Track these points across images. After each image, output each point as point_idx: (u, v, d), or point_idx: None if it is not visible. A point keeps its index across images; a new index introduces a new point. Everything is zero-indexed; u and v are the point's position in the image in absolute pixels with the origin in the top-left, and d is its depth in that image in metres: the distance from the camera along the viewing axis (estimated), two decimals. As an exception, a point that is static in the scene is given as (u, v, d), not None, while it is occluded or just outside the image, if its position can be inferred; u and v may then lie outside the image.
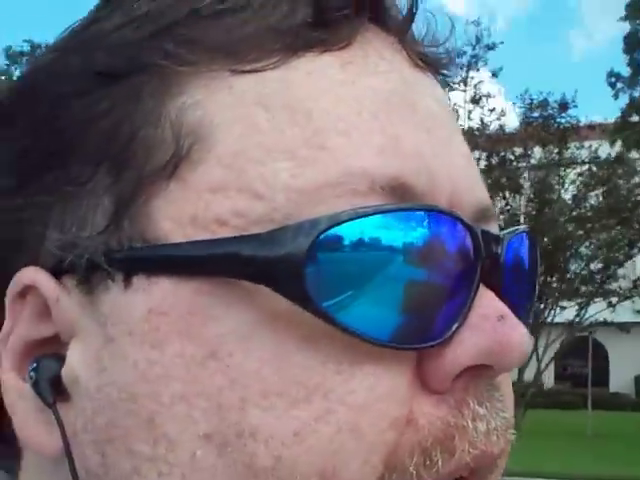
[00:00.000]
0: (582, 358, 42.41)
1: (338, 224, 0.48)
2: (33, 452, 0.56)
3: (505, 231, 0.57)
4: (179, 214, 0.50)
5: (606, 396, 39.26)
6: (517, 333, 0.51)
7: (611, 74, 26.34)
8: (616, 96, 26.07)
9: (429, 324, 0.50)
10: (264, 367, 0.48)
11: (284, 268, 0.47)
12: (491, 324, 0.51)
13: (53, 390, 0.52)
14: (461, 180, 0.54)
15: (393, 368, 0.49)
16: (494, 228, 0.57)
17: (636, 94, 25.58)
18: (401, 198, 0.50)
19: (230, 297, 0.49)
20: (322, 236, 0.47)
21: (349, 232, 0.48)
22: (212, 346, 0.49)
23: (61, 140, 0.53)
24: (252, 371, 0.48)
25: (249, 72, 0.51)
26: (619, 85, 26.20)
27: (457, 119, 0.60)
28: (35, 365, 0.53)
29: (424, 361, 0.51)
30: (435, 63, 0.59)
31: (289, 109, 0.51)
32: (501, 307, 0.51)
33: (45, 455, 0.53)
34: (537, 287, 0.62)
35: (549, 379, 39.81)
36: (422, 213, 0.50)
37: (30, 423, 0.53)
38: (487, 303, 0.52)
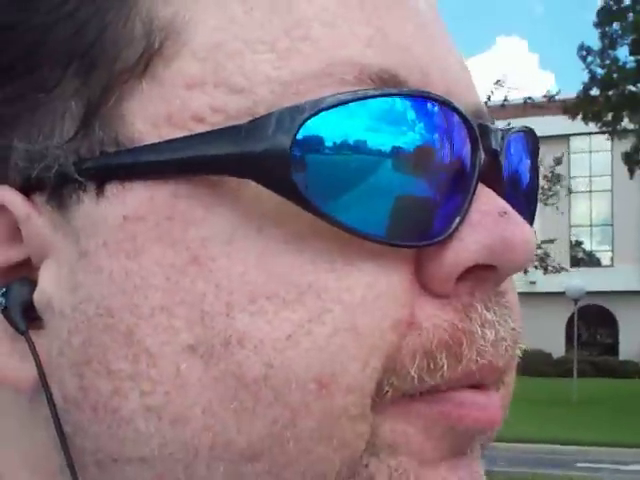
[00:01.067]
0: (591, 326, 42.65)
1: (325, 109, 0.45)
2: (7, 390, 0.52)
3: (504, 127, 0.55)
4: (154, 113, 0.48)
5: (615, 364, 39.40)
6: (521, 229, 0.48)
7: (582, 47, 26.52)
8: (588, 69, 26.26)
9: (427, 222, 0.48)
10: (250, 269, 0.46)
11: (269, 160, 0.45)
12: (493, 220, 0.48)
13: (25, 316, 0.49)
14: (455, 81, 0.52)
15: (391, 267, 0.47)
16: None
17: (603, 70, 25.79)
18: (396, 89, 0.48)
19: (211, 198, 0.47)
20: (309, 122, 0.45)
21: (333, 123, 0.46)
22: (193, 251, 0.46)
23: (24, 43, 0.50)
24: (237, 274, 0.46)
25: None
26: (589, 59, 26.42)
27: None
28: (4, 291, 0.50)
29: (424, 262, 0.48)
30: None
31: None
32: (503, 204, 0.49)
33: (21, 391, 0.50)
34: (538, 192, 0.59)
35: (559, 348, 39.93)
36: (419, 101, 0.48)
37: (2, 356, 0.50)
38: (488, 200, 0.49)
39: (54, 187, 0.48)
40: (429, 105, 0.48)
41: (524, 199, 0.56)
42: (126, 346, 0.47)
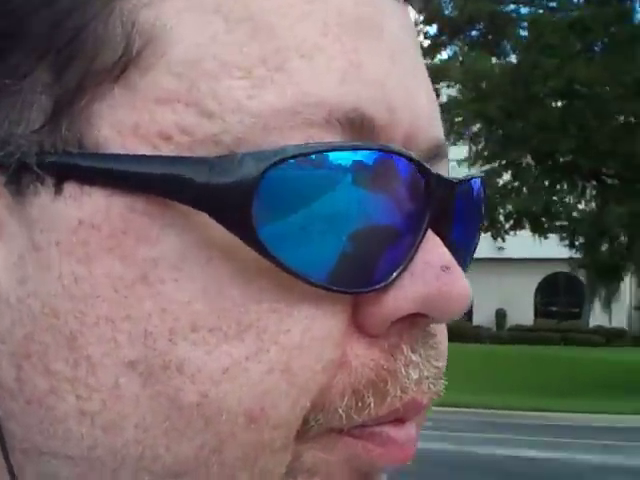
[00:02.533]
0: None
1: (288, 158, 0.45)
2: None
3: (458, 177, 0.54)
4: (121, 121, 0.46)
5: (468, 329, 40.33)
6: (459, 285, 0.49)
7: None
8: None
9: (371, 267, 0.48)
10: (196, 299, 0.46)
11: (230, 198, 0.45)
12: (435, 273, 0.49)
13: None
14: (421, 114, 0.52)
15: (330, 310, 0.48)
16: (444, 167, 0.55)
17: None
18: (359, 132, 0.48)
19: (165, 219, 0.46)
20: (271, 169, 0.45)
21: (298, 168, 0.46)
22: (143, 269, 0.46)
23: (2, 26, 0.48)
24: (183, 302, 0.46)
25: None
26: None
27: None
28: None
29: (362, 304, 0.49)
30: None
31: (250, 22, 0.47)
32: (447, 256, 0.50)
33: None
34: (479, 234, 0.60)
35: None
36: (375, 153, 0.47)
37: None
38: (433, 250, 0.50)
39: (13, 173, 0.47)
40: (388, 158, 0.48)
41: (467, 238, 0.57)
42: (68, 350, 0.47)
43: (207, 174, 0.45)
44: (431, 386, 0.51)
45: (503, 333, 42.15)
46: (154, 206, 0.46)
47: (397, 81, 0.50)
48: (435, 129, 0.54)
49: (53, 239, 0.47)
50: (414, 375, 0.50)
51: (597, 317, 40.02)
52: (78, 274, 0.46)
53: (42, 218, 0.47)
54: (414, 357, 0.50)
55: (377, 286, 0.48)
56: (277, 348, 0.46)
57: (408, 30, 0.53)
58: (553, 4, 23.15)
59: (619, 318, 40.64)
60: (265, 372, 0.46)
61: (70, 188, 0.46)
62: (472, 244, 0.58)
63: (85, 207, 0.46)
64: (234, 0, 0.47)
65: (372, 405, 0.48)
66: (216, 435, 0.46)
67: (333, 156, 0.46)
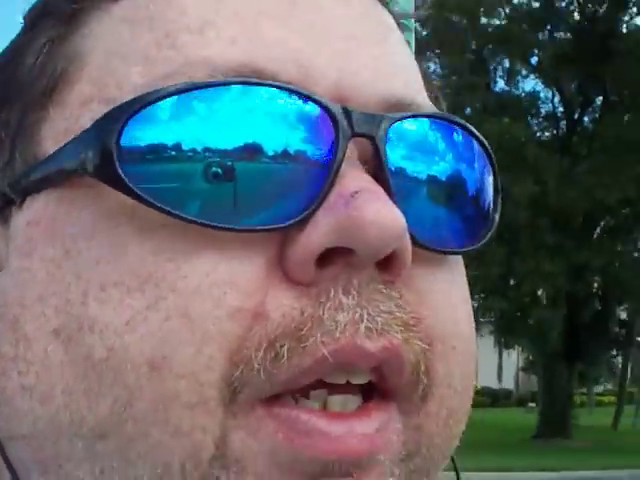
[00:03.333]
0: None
1: (145, 106, 0.48)
2: None
3: (394, 114, 0.52)
4: (56, 131, 0.53)
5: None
6: (372, 207, 0.46)
7: None
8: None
9: (282, 208, 0.48)
10: (103, 260, 0.49)
11: (98, 160, 0.49)
12: (345, 200, 0.47)
13: None
14: (359, 72, 0.52)
15: (237, 255, 0.48)
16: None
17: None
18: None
19: (83, 201, 0.51)
20: (128, 125, 0.48)
21: (169, 111, 0.48)
22: (66, 246, 0.51)
23: None
24: (92, 265, 0.49)
25: None
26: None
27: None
28: None
29: (285, 248, 0.48)
30: None
31: (149, 18, 0.53)
32: (362, 184, 0.48)
33: None
34: (480, 190, 0.55)
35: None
36: (257, 88, 0.49)
37: None
38: (349, 182, 0.48)
39: (1, 207, 0.55)
40: (271, 92, 0.49)
41: (453, 189, 0.54)
42: (12, 332, 0.52)
43: (92, 146, 0.50)
44: (377, 333, 0.48)
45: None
46: (76, 191, 0.51)
47: (314, 43, 0.52)
48: (386, 86, 0.53)
49: (13, 246, 0.54)
50: (342, 318, 0.47)
51: (487, 378, 41.54)
52: (23, 266, 0.52)
53: (12, 233, 0.54)
54: (345, 299, 0.48)
55: (287, 223, 0.48)
56: (174, 295, 0.47)
57: (347, 4, 0.56)
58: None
59: (508, 380, 42.00)
60: (163, 319, 0.47)
61: (28, 200, 0.53)
62: (439, 183, 0.54)
63: (32, 210, 0.53)
64: (140, 6, 0.54)
65: (286, 355, 0.47)
66: (125, 388, 0.48)
67: (223, 93, 0.48)
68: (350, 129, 0.49)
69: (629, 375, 34.25)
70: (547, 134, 25.61)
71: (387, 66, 0.55)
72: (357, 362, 0.48)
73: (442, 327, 0.52)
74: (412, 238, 0.50)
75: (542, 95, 25.76)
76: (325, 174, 0.48)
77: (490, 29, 24.80)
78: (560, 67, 23.83)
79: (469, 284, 0.58)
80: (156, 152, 0.48)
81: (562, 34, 24.52)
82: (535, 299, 23.48)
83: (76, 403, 0.49)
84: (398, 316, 0.49)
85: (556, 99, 25.67)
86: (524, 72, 25.56)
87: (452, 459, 0.57)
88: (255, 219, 0.48)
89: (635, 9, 24.67)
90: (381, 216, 0.47)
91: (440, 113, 0.56)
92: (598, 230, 21.94)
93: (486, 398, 41.77)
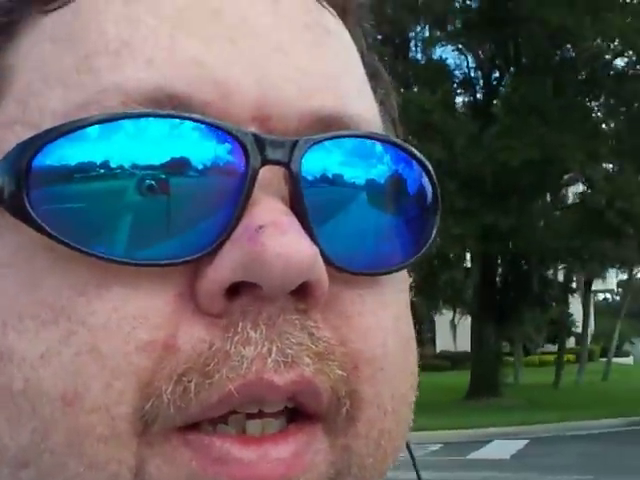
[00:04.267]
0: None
1: (51, 140, 0.47)
2: None
3: (311, 137, 0.50)
4: None
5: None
6: (277, 243, 0.46)
7: None
8: None
9: (193, 240, 0.47)
10: (21, 291, 0.48)
11: (10, 190, 0.48)
12: (249, 234, 0.47)
13: None
14: (283, 87, 0.51)
15: (147, 290, 0.47)
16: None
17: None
18: (173, 109, 0.48)
19: (3, 229, 0.50)
20: (40, 155, 0.47)
21: (75, 147, 0.47)
22: None
23: None
24: (11, 295, 0.49)
25: (51, 10, 0.52)
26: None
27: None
28: None
29: (195, 280, 0.48)
30: None
31: (70, 38, 0.51)
32: (270, 215, 0.47)
33: None
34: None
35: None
36: (161, 121, 0.48)
37: None
38: (258, 213, 0.48)
39: None
40: (177, 121, 0.48)
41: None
42: None
43: (5, 174, 0.48)
44: (285, 365, 0.48)
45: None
46: None
47: (235, 60, 0.50)
48: (314, 101, 0.52)
49: None
50: (248, 353, 0.47)
51: (445, 342, 42.22)
52: None
53: None
54: (252, 333, 0.47)
55: (191, 257, 0.47)
56: (84, 330, 0.47)
57: (276, 12, 0.53)
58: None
59: (463, 342, 42.69)
60: (74, 354, 0.47)
61: None
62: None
63: None
64: (63, 23, 0.52)
65: (193, 390, 0.47)
66: (41, 420, 0.47)
67: (121, 146, 0.47)
68: (261, 157, 0.49)
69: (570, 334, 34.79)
70: (462, 100, 26.07)
71: (316, 78, 0.53)
72: (266, 396, 0.48)
73: (370, 350, 0.51)
74: (332, 263, 0.50)
75: (452, 62, 26.27)
76: (232, 205, 0.48)
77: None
78: (469, 34, 24.40)
79: None
80: (65, 182, 0.47)
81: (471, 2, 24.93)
82: (446, 261, 24.08)
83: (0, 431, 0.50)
84: (310, 347, 0.49)
85: (469, 66, 26.23)
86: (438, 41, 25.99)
87: (407, 445, 0.61)
88: (164, 250, 0.47)
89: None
90: (285, 251, 0.46)
91: (364, 133, 0.53)
92: (505, 192, 22.35)
93: (446, 362, 42.51)
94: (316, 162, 0.50)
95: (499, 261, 26.31)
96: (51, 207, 0.47)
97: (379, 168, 0.53)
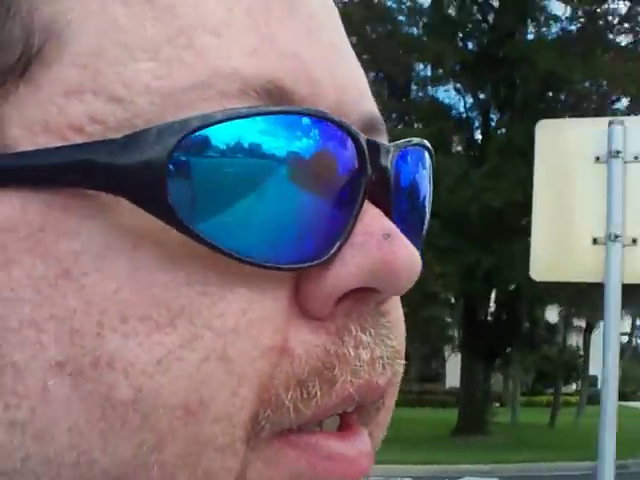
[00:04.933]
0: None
1: (207, 125, 0.43)
2: None
3: (396, 142, 0.52)
4: (30, 120, 0.44)
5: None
6: (405, 252, 0.47)
7: None
8: None
9: (309, 243, 0.46)
10: (123, 288, 0.43)
11: (143, 176, 0.43)
12: (376, 242, 0.47)
13: None
14: (348, 89, 0.50)
15: (268, 290, 0.45)
16: (383, 141, 0.52)
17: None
18: (278, 103, 0.46)
19: (85, 211, 0.44)
20: (187, 139, 0.43)
21: (221, 136, 0.44)
22: (65, 264, 0.44)
23: None
24: (109, 292, 0.43)
25: None
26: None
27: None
28: None
29: (304, 284, 0.46)
30: None
31: (150, 3, 0.46)
32: (388, 224, 0.48)
33: None
34: (429, 211, 0.57)
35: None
36: (307, 119, 0.46)
37: None
38: (372, 220, 0.47)
39: None
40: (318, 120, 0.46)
41: (417, 212, 0.55)
42: None
43: (120, 155, 0.43)
44: (387, 366, 0.49)
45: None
46: (72, 199, 0.44)
47: (316, 54, 0.49)
48: (366, 103, 0.52)
49: None
50: (365, 356, 0.47)
51: (454, 379, 42.28)
52: None
53: None
54: (364, 337, 0.47)
55: (316, 261, 0.46)
56: (211, 334, 0.44)
57: (327, 9, 0.53)
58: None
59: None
60: (200, 360, 0.44)
61: None
62: (420, 219, 0.55)
63: (1, 211, 0.44)
64: None
65: (319, 394, 0.46)
66: (154, 432, 0.43)
67: (264, 139, 0.44)
68: (374, 163, 0.48)
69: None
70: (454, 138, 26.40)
71: (361, 80, 0.54)
72: (372, 396, 0.49)
73: (402, 342, 0.53)
74: None
75: (446, 101, 26.66)
76: (350, 210, 0.47)
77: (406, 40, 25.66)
78: (466, 74, 24.77)
79: None
80: (207, 181, 0.43)
81: (468, 44, 25.31)
82: (428, 298, 24.29)
83: (87, 444, 0.44)
84: (397, 348, 0.50)
85: (462, 105, 26.58)
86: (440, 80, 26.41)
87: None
88: (282, 255, 0.45)
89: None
90: (413, 261, 0.47)
91: (420, 141, 0.55)
92: (488, 232, 22.57)
93: (452, 398, 42.55)
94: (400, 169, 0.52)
95: (489, 298, 26.49)
96: (187, 198, 0.43)
97: (424, 173, 0.55)
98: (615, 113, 24.40)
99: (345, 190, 0.47)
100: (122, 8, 0.46)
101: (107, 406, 0.43)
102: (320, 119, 0.46)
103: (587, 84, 22.97)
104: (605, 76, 21.57)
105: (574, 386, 47.05)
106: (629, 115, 23.85)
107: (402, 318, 0.53)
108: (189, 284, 0.44)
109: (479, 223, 22.04)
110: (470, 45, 25.19)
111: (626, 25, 24.92)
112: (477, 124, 26.36)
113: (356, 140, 0.47)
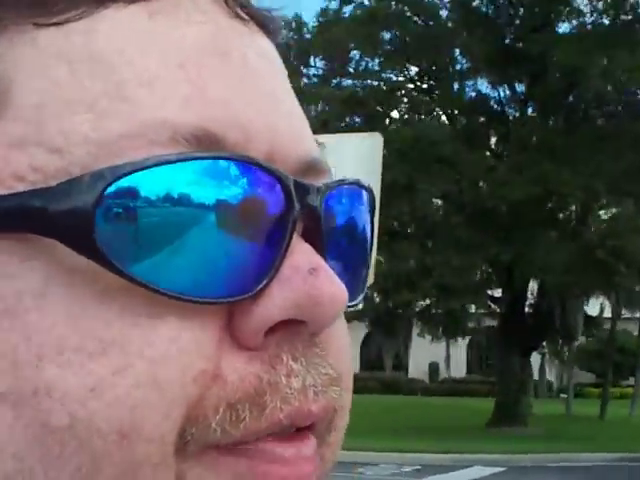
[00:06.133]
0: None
1: (134, 171, 0.46)
2: None
3: (328, 181, 0.54)
4: None
5: (403, 381, 43.21)
6: (329, 286, 0.49)
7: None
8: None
9: (238, 280, 0.48)
10: (59, 323, 0.46)
11: (73, 220, 0.46)
12: (302, 277, 0.49)
13: None
14: (283, 134, 0.52)
15: (198, 321, 0.47)
16: (321, 183, 0.54)
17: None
18: (208, 150, 0.48)
19: (26, 252, 0.47)
20: (115, 186, 0.46)
21: (151, 184, 0.46)
22: (7, 304, 0.46)
23: None
24: (47, 327, 0.46)
25: (54, 25, 0.49)
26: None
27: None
28: None
29: (235, 316, 0.49)
30: (259, 16, 0.56)
31: (91, 61, 0.49)
32: (315, 260, 0.50)
33: None
34: (370, 250, 0.59)
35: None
36: (234, 166, 0.48)
37: None
38: (300, 257, 0.50)
39: None
40: (235, 165, 0.48)
41: (358, 247, 0.57)
42: None
43: (52, 201, 0.46)
44: (320, 394, 0.50)
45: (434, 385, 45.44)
46: (14, 242, 0.47)
47: (248, 102, 0.51)
48: (304, 146, 0.54)
49: None
50: (296, 384, 0.49)
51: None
52: None
53: None
54: (295, 366, 0.50)
55: (243, 296, 0.48)
56: (142, 362, 0.46)
57: (265, 54, 0.55)
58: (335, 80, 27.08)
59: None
60: (132, 386, 0.46)
61: None
62: (362, 250, 0.57)
63: None
64: (76, 43, 0.49)
65: (247, 419, 0.48)
66: (91, 456, 0.46)
67: (186, 185, 0.47)
68: (300, 203, 0.50)
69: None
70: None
71: (298, 123, 0.55)
72: (304, 422, 0.50)
73: (346, 370, 0.54)
74: None
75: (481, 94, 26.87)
76: (278, 247, 0.49)
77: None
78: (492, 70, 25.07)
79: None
80: (137, 226, 0.46)
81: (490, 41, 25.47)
82: (446, 292, 24.80)
83: (29, 469, 0.46)
84: (333, 376, 0.52)
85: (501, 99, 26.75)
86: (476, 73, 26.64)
87: None
88: (212, 291, 0.48)
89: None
90: (337, 295, 0.49)
91: (353, 180, 0.57)
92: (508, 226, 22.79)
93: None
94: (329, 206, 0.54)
95: (526, 291, 26.71)
96: (116, 240, 0.46)
97: (362, 209, 0.58)
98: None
99: (273, 230, 0.49)
100: (65, 67, 0.49)
101: (46, 432, 0.45)
102: (248, 164, 0.48)
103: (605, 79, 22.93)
104: (619, 69, 21.55)
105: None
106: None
107: (345, 347, 0.55)
108: (121, 316, 0.46)
109: (500, 217, 22.34)
110: (499, 39, 25.28)
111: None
112: (499, 119, 26.45)
113: (282, 182, 0.50)
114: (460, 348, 46.62)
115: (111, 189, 0.45)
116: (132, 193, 0.46)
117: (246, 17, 0.55)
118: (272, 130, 0.51)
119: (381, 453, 19.79)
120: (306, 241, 0.51)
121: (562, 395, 38.86)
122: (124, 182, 0.46)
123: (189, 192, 0.47)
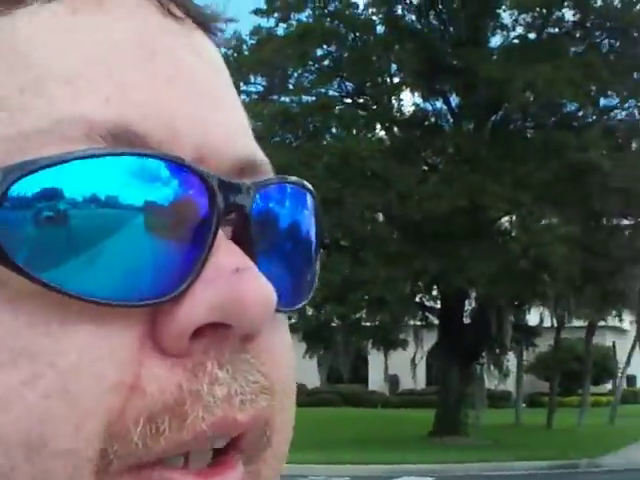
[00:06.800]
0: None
1: (32, 171, 0.44)
2: None
3: (261, 180, 0.52)
4: None
5: (363, 393, 43.42)
6: (254, 286, 0.47)
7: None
8: None
9: (162, 282, 0.46)
10: None
11: None
12: (225, 277, 0.47)
13: None
14: (216, 132, 0.51)
15: (116, 328, 0.45)
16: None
17: None
18: (129, 147, 0.46)
19: None
20: (16, 185, 0.44)
21: (71, 184, 0.44)
22: None
23: None
24: None
25: None
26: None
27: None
28: None
29: (158, 321, 0.47)
30: (197, 14, 0.55)
31: (9, 57, 0.48)
32: (241, 260, 0.48)
33: None
34: (316, 253, 0.56)
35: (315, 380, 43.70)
36: (146, 160, 0.46)
37: None
38: (225, 257, 0.48)
39: None
40: (155, 163, 0.47)
41: (302, 250, 0.55)
42: None
43: None
44: (247, 403, 0.48)
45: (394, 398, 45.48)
46: None
47: (176, 101, 0.50)
48: (239, 146, 0.53)
49: None
50: (220, 393, 0.47)
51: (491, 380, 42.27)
52: None
53: None
54: (220, 373, 0.48)
55: (166, 297, 0.46)
56: (53, 371, 0.44)
57: (199, 53, 0.54)
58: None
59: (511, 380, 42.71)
60: (41, 397, 0.44)
61: None
62: (307, 253, 0.56)
63: None
64: None
65: (167, 431, 0.46)
66: (0, 470, 0.44)
67: (100, 182, 0.45)
68: (225, 202, 0.49)
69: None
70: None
71: (234, 122, 0.54)
72: (231, 432, 0.49)
73: (283, 380, 0.53)
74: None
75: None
76: (201, 247, 0.47)
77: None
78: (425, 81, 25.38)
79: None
80: (36, 216, 0.44)
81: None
82: (373, 303, 25.14)
83: None
84: (262, 384, 0.50)
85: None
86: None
87: None
88: (131, 292, 0.46)
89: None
90: (262, 296, 0.47)
91: (294, 179, 0.55)
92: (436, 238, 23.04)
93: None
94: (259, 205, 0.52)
95: (464, 302, 26.97)
96: (19, 240, 0.44)
97: (306, 213, 0.56)
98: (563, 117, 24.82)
99: (198, 230, 0.48)
100: None
101: None
102: (169, 162, 0.47)
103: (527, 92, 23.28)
104: (541, 81, 21.84)
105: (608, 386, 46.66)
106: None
107: (283, 355, 0.53)
108: (31, 325, 0.44)
109: (427, 229, 22.60)
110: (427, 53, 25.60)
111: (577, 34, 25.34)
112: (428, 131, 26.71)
113: (205, 180, 0.48)
114: (422, 360, 46.86)
115: (16, 188, 0.44)
116: (47, 195, 0.44)
117: (181, 15, 0.54)
118: (203, 129, 0.50)
119: (311, 465, 19.99)
120: (236, 242, 0.50)
121: (524, 405, 39.08)
122: (31, 180, 0.44)
123: (112, 193, 0.46)
